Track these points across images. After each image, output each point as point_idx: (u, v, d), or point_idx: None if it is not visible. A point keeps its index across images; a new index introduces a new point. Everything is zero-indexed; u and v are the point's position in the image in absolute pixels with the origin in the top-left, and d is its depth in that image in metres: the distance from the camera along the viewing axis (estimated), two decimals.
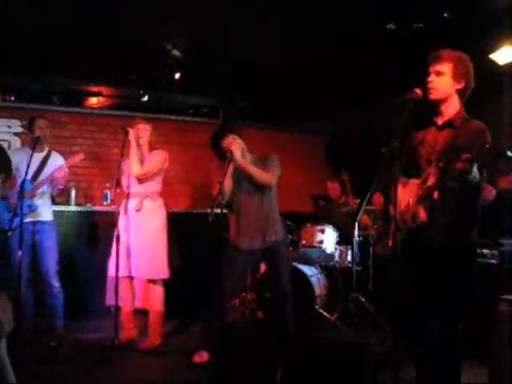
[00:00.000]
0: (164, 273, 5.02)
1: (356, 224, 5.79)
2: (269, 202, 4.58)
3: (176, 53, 6.22)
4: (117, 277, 4.81)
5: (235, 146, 4.34)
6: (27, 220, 4.90)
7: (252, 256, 4.65)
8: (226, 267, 4.49)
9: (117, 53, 6.05)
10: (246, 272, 4.83)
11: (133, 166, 4.93)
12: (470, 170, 2.66)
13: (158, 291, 5.02)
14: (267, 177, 4.49)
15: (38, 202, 5.03)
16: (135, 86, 7.25)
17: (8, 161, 4.69)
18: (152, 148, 5.11)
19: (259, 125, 8.04)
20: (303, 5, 4.90)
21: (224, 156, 4.38)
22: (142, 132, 5.04)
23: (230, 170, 4.36)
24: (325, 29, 5.34)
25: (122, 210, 5.02)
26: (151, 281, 5.02)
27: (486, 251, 4.73)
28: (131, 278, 5.05)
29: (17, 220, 4.64)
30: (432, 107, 3.25)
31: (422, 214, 3.07)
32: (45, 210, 5.12)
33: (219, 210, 4.28)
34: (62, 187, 5.14)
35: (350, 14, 4.99)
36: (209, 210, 4.09)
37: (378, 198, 3.54)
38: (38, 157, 5.03)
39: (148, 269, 4.94)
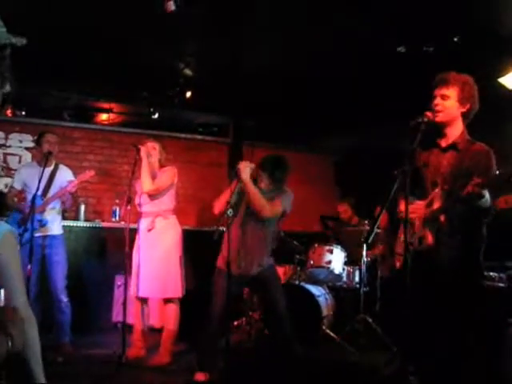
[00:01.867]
0: (178, 291, 4.97)
1: (365, 245, 5.79)
2: (265, 229, 4.42)
3: (187, 71, 6.27)
4: (125, 294, 4.83)
5: (244, 164, 4.32)
6: (37, 234, 4.90)
7: (241, 281, 4.43)
8: (215, 292, 4.34)
9: (128, 70, 6.10)
10: (233, 295, 4.63)
11: (144, 181, 4.93)
12: (482, 194, 2.68)
13: (173, 310, 4.98)
14: (265, 206, 4.26)
15: (48, 216, 5.06)
16: (146, 103, 7.30)
17: None
18: (162, 166, 5.15)
19: (268, 144, 8.07)
20: (314, 27, 4.95)
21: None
22: (150, 150, 5.08)
23: (237, 188, 4.28)
24: (335, 51, 5.38)
25: (137, 229, 5.06)
26: (166, 299, 4.99)
27: (493, 274, 4.70)
28: (143, 297, 5.05)
29: (27, 235, 4.68)
30: (436, 129, 3.28)
31: (430, 238, 3.08)
32: (55, 225, 5.15)
33: (225, 229, 4.28)
34: (71, 201, 5.18)
35: (361, 37, 5.04)
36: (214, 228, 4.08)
37: (383, 219, 3.54)
38: (46, 171, 5.03)
39: (162, 288, 4.92)
